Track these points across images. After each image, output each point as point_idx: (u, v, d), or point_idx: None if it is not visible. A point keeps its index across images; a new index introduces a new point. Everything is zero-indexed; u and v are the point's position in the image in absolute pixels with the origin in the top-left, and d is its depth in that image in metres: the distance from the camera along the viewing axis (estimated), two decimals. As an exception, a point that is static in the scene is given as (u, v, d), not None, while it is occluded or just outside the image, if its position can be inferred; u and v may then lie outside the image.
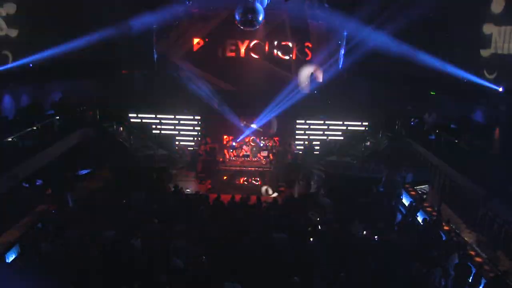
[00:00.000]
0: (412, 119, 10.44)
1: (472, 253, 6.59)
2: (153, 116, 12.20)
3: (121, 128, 10.71)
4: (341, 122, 12.16)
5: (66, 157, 8.95)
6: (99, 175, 10.10)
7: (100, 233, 6.08)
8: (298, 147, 11.75)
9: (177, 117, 12.20)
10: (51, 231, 6.42)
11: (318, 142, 12.03)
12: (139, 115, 12.15)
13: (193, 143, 11.93)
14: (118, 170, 9.75)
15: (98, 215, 6.79)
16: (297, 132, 12.21)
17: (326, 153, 11.24)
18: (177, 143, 11.79)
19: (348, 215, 7.28)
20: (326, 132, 12.19)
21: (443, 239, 6.81)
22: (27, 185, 8.18)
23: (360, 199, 8.39)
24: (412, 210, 8.14)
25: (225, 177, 9.89)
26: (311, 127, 12.26)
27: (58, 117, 9.37)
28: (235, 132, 11.71)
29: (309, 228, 6.60)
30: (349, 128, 12.05)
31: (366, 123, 11.96)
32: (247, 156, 10.82)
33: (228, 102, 12.09)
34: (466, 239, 7.11)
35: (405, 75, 10.92)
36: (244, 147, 11.02)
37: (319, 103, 12.36)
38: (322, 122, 12.19)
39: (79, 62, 10.46)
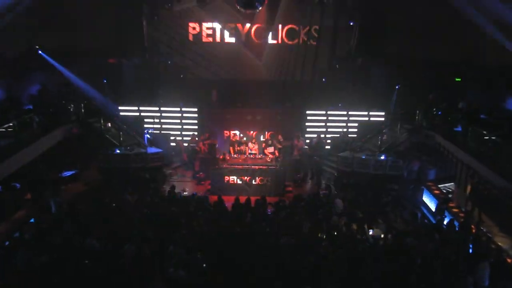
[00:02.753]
0: (461, 103, 9.98)
1: (509, 260, 6.35)
2: (146, 109, 12.09)
3: (109, 124, 10.47)
4: (354, 113, 12.01)
5: (47, 157, 8.89)
6: (85, 177, 10.03)
7: (87, 241, 5.95)
8: (306, 142, 11.60)
9: (172, 110, 12.09)
10: (30, 241, 6.25)
11: (329, 136, 12.02)
12: (130, 109, 12.03)
13: (190, 139, 11.75)
14: (106, 171, 9.54)
15: (84, 221, 6.69)
16: (305, 124, 12.12)
17: (337, 148, 11.11)
18: (172, 138, 11.72)
19: (363, 217, 7.22)
20: (337, 124, 12.10)
21: (473, 244, 6.55)
22: (2, 189, 8.08)
23: (377, 199, 8.38)
24: (438, 211, 7.95)
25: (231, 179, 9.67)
26: (321, 118, 12.17)
27: (37, 113, 9.28)
28: (236, 126, 11.71)
29: (319, 233, 6.54)
30: (363, 119, 11.94)
31: (383, 114, 11.81)
32: (251, 154, 10.68)
33: (229, 93, 12.04)
34: (499, 244, 6.88)
35: (427, 59, 10.68)
36: (250, 144, 10.88)
37: (329, 91, 12.28)
38: (333, 113, 12.10)
39: (59, 50, 10.25)
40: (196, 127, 12.14)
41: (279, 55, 12.62)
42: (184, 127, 12.18)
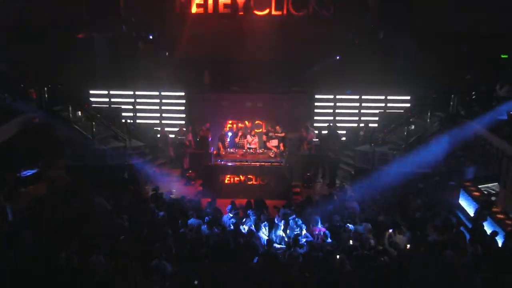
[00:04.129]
0: (507, 86, 9.65)
1: None
2: (123, 94, 12.00)
3: (79, 113, 10.29)
4: (375, 98, 11.90)
5: (2, 154, 8.79)
6: (49, 177, 9.82)
7: (51, 254, 5.88)
8: (317, 133, 11.53)
9: (154, 94, 12.04)
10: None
11: (345, 126, 11.92)
12: (104, 94, 11.94)
13: (177, 130, 11.70)
14: (75, 170, 9.44)
15: (47, 231, 6.58)
16: (315, 112, 12.05)
17: (355, 141, 10.97)
18: (158, 128, 11.60)
19: (385, 224, 7.10)
20: (353, 111, 12.02)
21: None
22: None
23: (403, 202, 8.17)
24: (479, 217, 7.67)
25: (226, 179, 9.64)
26: (336, 106, 12.07)
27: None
28: (235, 114, 11.63)
29: (337, 251, 6.40)
30: (386, 106, 11.85)
31: (409, 99, 11.73)
32: (250, 148, 10.63)
33: (224, 74, 12.01)
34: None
35: (464, 33, 10.63)
36: (249, 137, 10.81)
37: (344, 72, 12.06)
38: (348, 97, 12.00)
39: (17, 25, 10.27)
40: (183, 115, 12.06)
41: (284, 29, 12.47)
42: (169, 115, 12.08)
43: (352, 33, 12.36)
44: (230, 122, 11.81)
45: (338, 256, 6.01)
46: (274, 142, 10.69)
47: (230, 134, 11.08)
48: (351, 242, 6.63)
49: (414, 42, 11.43)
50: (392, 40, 11.93)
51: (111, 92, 11.91)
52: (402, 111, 11.03)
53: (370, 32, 12.12)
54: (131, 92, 11.93)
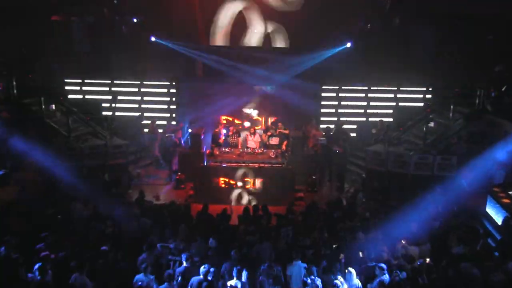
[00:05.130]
0: None
1: None
2: (104, 86, 12.08)
3: (53, 106, 10.15)
4: (389, 91, 11.99)
5: None
6: (18, 179, 9.62)
7: (21, 269, 5.78)
8: (323, 131, 11.54)
9: (141, 85, 12.18)
10: None
11: (355, 123, 12.02)
12: (82, 86, 11.98)
13: (165, 126, 11.95)
14: (48, 171, 9.09)
15: (16, 241, 6.31)
16: (322, 106, 12.18)
17: (367, 140, 10.98)
18: (147, 122, 11.69)
19: (402, 234, 7.03)
20: (360, 104, 12.18)
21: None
22: None
23: (419, 209, 7.98)
24: (507, 227, 7.57)
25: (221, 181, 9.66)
26: (344, 100, 12.20)
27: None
28: (230, 108, 11.67)
29: (341, 255, 6.39)
30: (402, 101, 11.85)
31: (429, 93, 11.71)
32: (248, 148, 10.65)
33: (220, 63, 11.97)
34: None
35: (492, 18, 10.48)
36: (249, 136, 10.77)
37: (355, 62, 12.08)
38: (360, 91, 12.10)
39: None
40: (173, 106, 12.15)
41: (288, 14, 12.49)
42: (155, 107, 12.22)
43: (365, 19, 12.38)
44: (224, 118, 11.86)
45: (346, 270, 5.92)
46: (275, 140, 10.70)
47: (224, 131, 11.07)
48: (360, 254, 6.53)
49: (433, 29, 11.46)
50: (409, 27, 11.95)
51: (90, 83, 11.98)
52: (421, 105, 11.10)
53: (385, 18, 12.10)
54: (113, 83, 12.00)
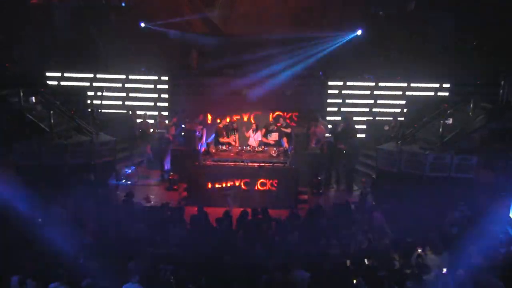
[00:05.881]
0: None
1: None
2: (90, 77, 12.14)
3: (33, 99, 10.09)
4: (404, 85, 12.06)
5: None
6: None
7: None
8: (329, 127, 11.68)
9: (130, 78, 12.28)
10: None
11: (364, 120, 12.13)
12: (65, 76, 12.04)
13: (156, 122, 11.96)
14: (26, 170, 9.26)
15: None
16: (328, 101, 12.25)
17: (377, 138, 11.07)
18: (137, 115, 11.74)
19: (417, 241, 7.04)
20: (376, 102, 12.20)
21: None
22: None
23: (436, 214, 8.21)
24: None
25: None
26: (352, 94, 12.28)
27: None
28: (227, 104, 11.86)
29: (348, 263, 6.48)
30: (417, 94, 11.95)
31: (447, 86, 11.68)
32: (247, 145, 10.67)
33: (216, 54, 12.11)
34: None
35: None
36: (251, 133, 10.80)
37: (366, 53, 12.21)
38: (370, 84, 12.17)
39: None
40: (165, 103, 12.20)
41: None
42: (146, 103, 12.32)
43: (377, 4, 12.43)
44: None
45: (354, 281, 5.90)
46: (274, 136, 10.68)
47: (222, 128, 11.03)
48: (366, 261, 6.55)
49: (452, 15, 11.41)
50: (426, 13, 11.93)
51: (74, 75, 11.98)
52: (438, 98, 11.14)
53: (400, 2, 12.14)
54: (99, 75, 12.02)
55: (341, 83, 12.21)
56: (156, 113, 12.01)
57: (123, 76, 12.13)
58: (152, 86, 12.25)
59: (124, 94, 12.24)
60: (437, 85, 11.83)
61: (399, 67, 11.87)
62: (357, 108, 12.18)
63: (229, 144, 10.71)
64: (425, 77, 11.80)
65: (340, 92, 12.22)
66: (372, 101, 12.21)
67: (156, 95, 12.30)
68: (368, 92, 12.12)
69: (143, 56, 12.21)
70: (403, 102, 11.98)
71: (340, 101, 12.24)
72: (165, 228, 7.50)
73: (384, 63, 11.95)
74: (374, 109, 12.15)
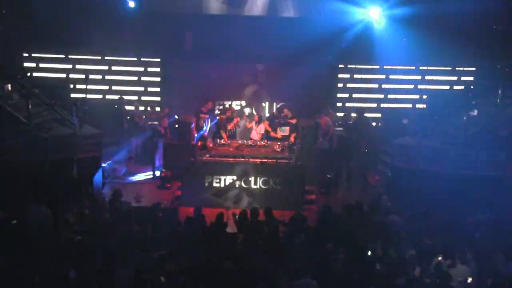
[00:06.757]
0: None
1: None
2: (71, 61, 12.31)
3: (9, 86, 9.91)
4: (422, 70, 12.27)
5: None
6: None
7: None
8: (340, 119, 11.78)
9: (117, 61, 12.48)
10: None
11: (380, 111, 12.22)
12: (44, 60, 12.13)
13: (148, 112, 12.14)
14: (2, 166, 9.05)
15: None
16: (339, 89, 12.54)
17: (392, 132, 11.00)
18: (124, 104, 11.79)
19: (437, 247, 7.04)
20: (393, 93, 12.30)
21: None
22: None
23: (459, 217, 8.21)
24: None
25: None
26: (366, 82, 12.55)
27: None
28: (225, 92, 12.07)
29: (360, 270, 6.45)
30: (438, 83, 12.03)
31: (472, 71, 11.87)
32: (249, 139, 10.79)
33: (213, 37, 12.14)
34: None
35: None
36: (254, 127, 10.92)
37: (381, 36, 12.30)
38: (385, 70, 12.40)
39: None
40: (157, 89, 12.38)
41: None
42: (135, 88, 12.51)
43: None
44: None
45: None
46: (285, 130, 10.70)
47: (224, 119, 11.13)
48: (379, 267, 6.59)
49: None
50: None
51: (55, 59, 12.10)
52: (461, 88, 11.07)
53: None
54: (83, 58, 12.14)
55: (354, 71, 12.28)
56: (146, 101, 12.05)
57: (109, 59, 12.18)
58: (142, 69, 12.33)
59: (110, 79, 12.26)
60: (461, 69, 11.86)
61: (418, 51, 11.88)
62: (373, 94, 12.38)
63: (231, 133, 10.74)
64: (446, 62, 11.79)
65: (351, 78, 12.29)
66: (387, 88, 12.27)
67: (146, 80, 12.34)
68: (383, 79, 12.20)
69: (132, 38, 12.20)
70: (422, 90, 11.99)
71: (352, 85, 12.33)
72: (157, 231, 7.47)
73: (401, 47, 11.97)
74: (389, 100, 12.22)
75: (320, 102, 11.52)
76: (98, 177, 10.00)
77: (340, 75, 12.39)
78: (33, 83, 10.39)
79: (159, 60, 12.28)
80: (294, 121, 10.95)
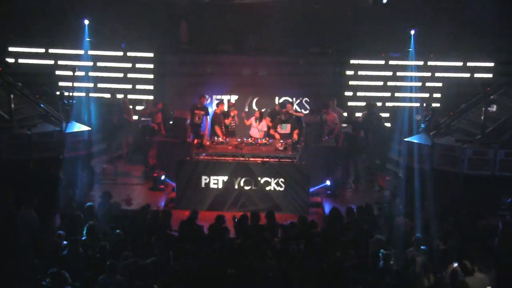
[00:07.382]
0: None
1: None
2: (58, 53, 12.32)
3: None
4: (437, 64, 12.28)
5: None
6: None
7: None
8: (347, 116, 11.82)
9: (107, 55, 12.49)
10: None
11: (389, 107, 12.30)
12: (28, 53, 12.14)
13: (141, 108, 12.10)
14: None
15: None
16: (346, 85, 12.49)
17: (404, 129, 10.88)
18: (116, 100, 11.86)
19: (456, 253, 7.03)
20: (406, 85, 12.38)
21: None
22: None
23: (480, 219, 8.15)
24: None
25: None
26: (376, 75, 12.44)
27: None
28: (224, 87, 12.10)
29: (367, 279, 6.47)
30: (453, 76, 12.10)
31: (490, 65, 11.91)
32: (249, 137, 10.75)
33: (210, 27, 12.38)
34: None
35: None
36: (254, 124, 10.90)
37: (392, 26, 12.32)
38: (397, 64, 12.39)
39: None
40: (150, 86, 12.47)
41: None
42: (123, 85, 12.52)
43: None
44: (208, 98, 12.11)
45: None
46: (287, 128, 10.60)
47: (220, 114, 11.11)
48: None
49: None
50: None
51: (40, 51, 12.06)
52: (479, 80, 11.03)
53: None
54: (71, 51, 12.11)
55: (361, 61, 12.22)
56: (138, 97, 11.99)
57: (99, 53, 12.11)
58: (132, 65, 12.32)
59: (99, 74, 12.22)
60: (478, 64, 11.80)
61: (432, 42, 11.89)
62: (383, 88, 12.29)
63: (228, 128, 10.75)
64: (462, 54, 11.74)
65: (357, 72, 12.25)
66: (397, 84, 12.20)
67: (138, 76, 12.31)
68: (391, 73, 12.14)
69: (123, 28, 12.24)
70: (437, 84, 11.96)
71: (360, 82, 12.27)
72: (148, 237, 7.40)
73: (414, 37, 11.81)
74: (398, 94, 12.19)
75: (326, 97, 11.42)
76: (86, 177, 9.92)
77: (347, 72, 12.36)
78: (15, 76, 10.13)
79: (151, 55, 12.28)
80: (301, 114, 10.96)
